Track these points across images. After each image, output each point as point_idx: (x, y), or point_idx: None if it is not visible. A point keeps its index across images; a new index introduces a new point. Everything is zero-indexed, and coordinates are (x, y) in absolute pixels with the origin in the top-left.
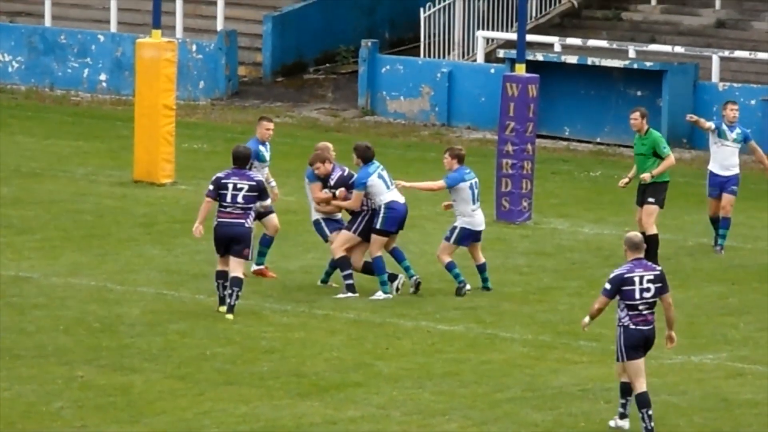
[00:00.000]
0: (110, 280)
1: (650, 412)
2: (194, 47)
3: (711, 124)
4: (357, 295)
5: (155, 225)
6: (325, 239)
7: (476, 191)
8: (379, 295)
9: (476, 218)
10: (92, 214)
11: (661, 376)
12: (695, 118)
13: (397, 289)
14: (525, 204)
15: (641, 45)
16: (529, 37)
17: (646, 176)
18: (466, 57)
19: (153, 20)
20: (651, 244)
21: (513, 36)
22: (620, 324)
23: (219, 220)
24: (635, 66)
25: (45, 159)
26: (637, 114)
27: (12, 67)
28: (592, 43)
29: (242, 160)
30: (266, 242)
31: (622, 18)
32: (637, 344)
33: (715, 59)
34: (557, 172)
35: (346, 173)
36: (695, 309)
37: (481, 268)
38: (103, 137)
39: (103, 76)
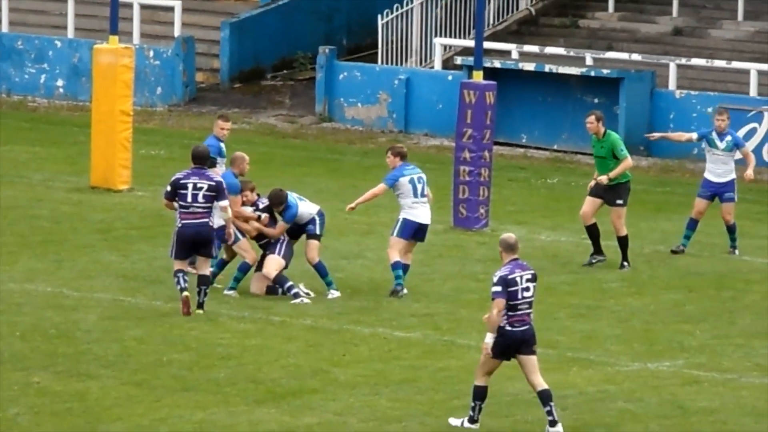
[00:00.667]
0: (67, 286)
1: (553, 404)
2: (151, 53)
3: (691, 135)
4: (308, 299)
5: (112, 231)
6: (226, 243)
7: (419, 186)
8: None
9: (418, 210)
10: (49, 220)
11: (618, 383)
12: (657, 135)
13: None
14: (482, 211)
15: (598, 52)
16: (487, 44)
17: (603, 179)
18: (423, 64)
19: (110, 26)
20: (623, 244)
21: (470, 43)
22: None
23: (183, 222)
24: (592, 73)
25: (2, 165)
26: (592, 117)
27: None
28: (550, 50)
29: (201, 160)
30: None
31: (579, 25)
32: (512, 345)
33: (672, 67)
34: (514, 179)
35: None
36: (651, 316)
37: (405, 269)
38: (60, 143)
39: (60, 82)
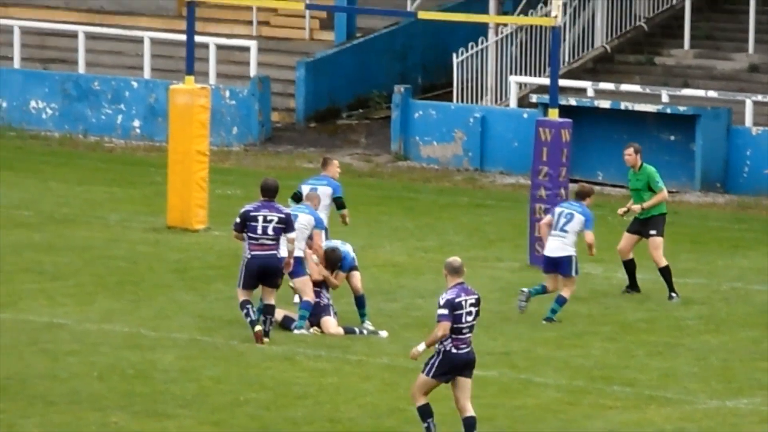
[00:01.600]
0: (144, 326)
1: None
2: (227, 93)
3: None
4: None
5: (189, 271)
6: (294, 276)
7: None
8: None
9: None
10: (126, 261)
11: (696, 421)
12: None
13: None
14: None
15: (674, 89)
16: (562, 82)
17: (636, 207)
18: (498, 102)
19: (186, 66)
20: (666, 275)
21: (546, 81)
22: (441, 347)
23: (253, 253)
24: (668, 110)
25: (78, 205)
26: (631, 150)
27: (46, 113)
28: (625, 87)
29: (271, 192)
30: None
31: (655, 63)
32: (455, 367)
33: (749, 103)
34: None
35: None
36: (729, 354)
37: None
38: (136, 183)
39: (136, 123)
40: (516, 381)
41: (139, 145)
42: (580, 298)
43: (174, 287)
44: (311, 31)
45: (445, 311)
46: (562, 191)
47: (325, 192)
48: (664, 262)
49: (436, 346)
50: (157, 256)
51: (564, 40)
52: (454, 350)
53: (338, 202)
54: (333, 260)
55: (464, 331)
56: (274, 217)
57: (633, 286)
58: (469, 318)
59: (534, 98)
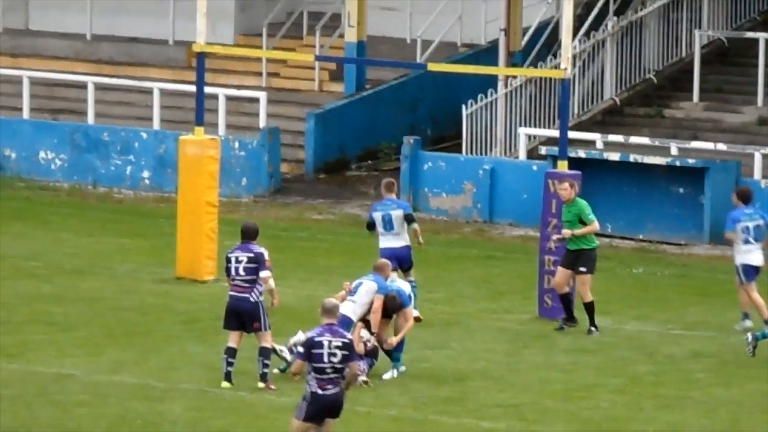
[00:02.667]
0: (153, 377)
1: None
2: (237, 144)
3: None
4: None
5: (198, 322)
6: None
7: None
8: None
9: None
10: (135, 312)
11: None
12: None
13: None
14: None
15: (683, 142)
16: (572, 134)
17: (566, 232)
18: (508, 154)
19: (196, 117)
20: (589, 310)
21: (555, 133)
22: (308, 389)
23: (229, 293)
24: (677, 163)
25: (88, 256)
26: (566, 184)
27: (55, 164)
28: (635, 140)
29: (251, 234)
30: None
31: (664, 115)
32: (323, 408)
33: (758, 156)
34: (599, 269)
35: None
36: (738, 406)
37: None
38: (145, 234)
39: (146, 174)
40: None
41: (149, 196)
42: (589, 350)
43: (183, 338)
44: (321, 83)
45: (301, 349)
46: None
47: (398, 215)
48: (589, 298)
49: (305, 388)
50: (166, 307)
51: (573, 92)
52: (320, 391)
53: (409, 218)
54: (392, 308)
55: (327, 371)
56: (243, 257)
57: (570, 318)
58: (334, 359)
59: (543, 150)
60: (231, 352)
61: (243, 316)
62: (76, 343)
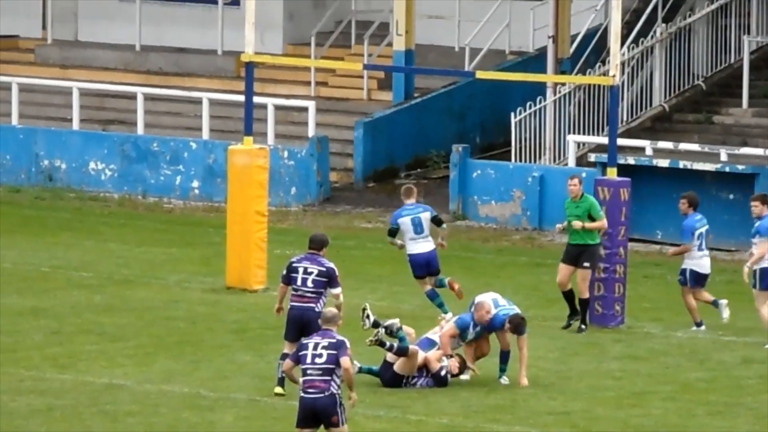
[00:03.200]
0: (203, 386)
1: None
2: (286, 153)
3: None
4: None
5: (247, 331)
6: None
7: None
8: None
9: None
10: (185, 321)
11: None
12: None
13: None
14: (618, 308)
15: (733, 148)
16: (621, 141)
17: (578, 224)
18: (557, 161)
19: (245, 127)
20: (584, 307)
21: (604, 140)
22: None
23: (291, 303)
24: (727, 169)
25: (138, 266)
26: (576, 180)
27: (105, 175)
28: (684, 146)
29: (317, 244)
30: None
31: (713, 121)
32: (305, 412)
33: None
34: (650, 276)
35: None
36: None
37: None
38: (195, 244)
39: (195, 183)
40: None
41: (198, 205)
42: (640, 357)
43: (233, 348)
44: (369, 92)
45: (292, 351)
46: (621, 250)
47: (426, 217)
48: (587, 295)
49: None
50: (216, 316)
51: (622, 99)
52: (302, 394)
53: (437, 220)
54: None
55: (309, 372)
56: (314, 269)
57: (575, 312)
58: (318, 360)
59: (592, 157)
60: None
61: (307, 327)
62: (126, 353)
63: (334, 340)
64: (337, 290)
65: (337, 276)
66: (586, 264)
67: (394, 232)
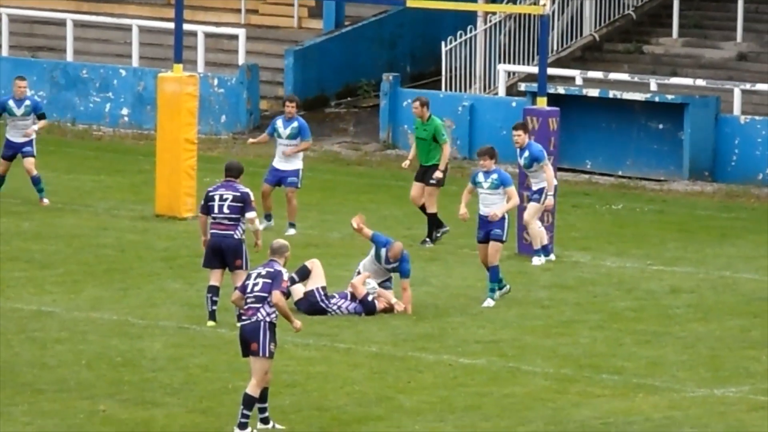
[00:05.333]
0: (132, 314)
1: (246, 411)
2: (216, 81)
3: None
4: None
5: (177, 259)
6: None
7: None
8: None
9: None
10: (114, 249)
11: (684, 409)
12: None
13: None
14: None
15: (663, 78)
16: (551, 71)
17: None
18: (487, 90)
19: (174, 55)
20: (431, 221)
21: (534, 69)
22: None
23: (211, 231)
24: (657, 99)
25: (67, 193)
26: (417, 103)
27: None
28: (614, 76)
29: (234, 172)
30: None
31: (643, 51)
32: (241, 340)
33: (737, 92)
34: (578, 205)
35: None
36: (717, 342)
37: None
38: (124, 172)
39: (125, 111)
40: (504, 369)
41: (128, 133)
42: (568, 286)
43: (162, 275)
44: (300, 20)
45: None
46: None
47: None
48: (434, 209)
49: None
50: (146, 244)
51: (553, 28)
52: (238, 322)
53: None
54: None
55: (248, 300)
56: (228, 195)
57: (439, 225)
58: (256, 288)
59: (522, 87)
60: (215, 291)
61: (226, 254)
62: (54, 281)
63: (272, 270)
64: (251, 214)
65: (252, 200)
66: (432, 181)
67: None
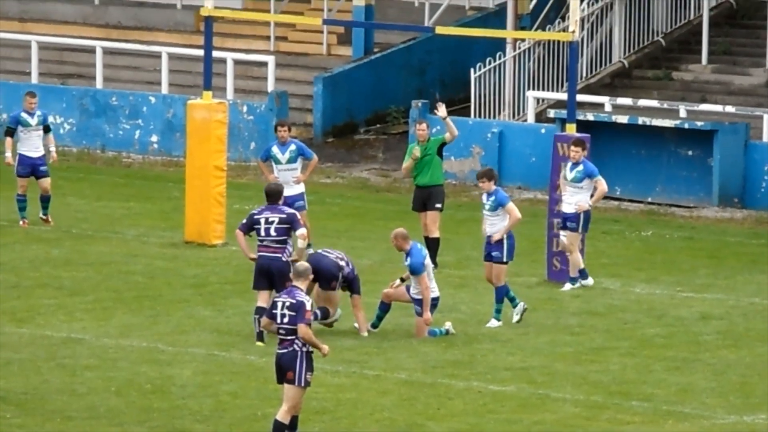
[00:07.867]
0: (162, 341)
1: None
2: (245, 108)
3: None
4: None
5: (206, 286)
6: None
7: None
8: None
9: None
10: (143, 276)
11: None
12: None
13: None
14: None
15: (692, 105)
16: (580, 97)
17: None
18: (516, 117)
19: (204, 82)
20: (435, 247)
21: (563, 96)
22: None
23: (258, 253)
24: (686, 126)
25: (96, 220)
26: (424, 125)
27: (63, 128)
28: (643, 102)
29: (274, 196)
30: None
31: (672, 78)
32: (276, 368)
33: (766, 118)
34: (608, 232)
35: None
36: (747, 369)
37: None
38: (154, 198)
39: (154, 138)
40: (534, 396)
41: (157, 160)
42: (598, 312)
43: (191, 302)
44: (329, 47)
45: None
46: None
47: None
48: (436, 234)
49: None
50: (175, 271)
51: (582, 55)
52: (276, 349)
53: None
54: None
55: (280, 331)
56: (275, 218)
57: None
58: (284, 320)
59: (552, 113)
60: (262, 312)
61: (275, 276)
62: (84, 307)
63: (294, 301)
64: (302, 231)
65: (299, 219)
66: (438, 205)
67: None
